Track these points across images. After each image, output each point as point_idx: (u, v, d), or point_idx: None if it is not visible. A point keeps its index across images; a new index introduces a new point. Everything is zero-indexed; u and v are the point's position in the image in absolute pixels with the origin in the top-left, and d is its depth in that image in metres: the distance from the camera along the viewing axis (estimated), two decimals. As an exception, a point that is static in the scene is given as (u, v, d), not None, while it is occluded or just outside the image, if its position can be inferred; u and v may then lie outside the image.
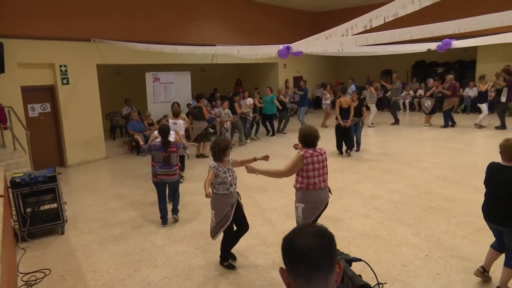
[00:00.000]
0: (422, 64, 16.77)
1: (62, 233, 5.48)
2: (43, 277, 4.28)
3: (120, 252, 4.83)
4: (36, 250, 5.01)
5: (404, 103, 15.86)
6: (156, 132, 5.85)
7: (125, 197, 6.99)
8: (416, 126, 12.60)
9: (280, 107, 12.04)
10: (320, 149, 3.90)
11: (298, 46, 5.89)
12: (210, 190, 3.96)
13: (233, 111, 11.26)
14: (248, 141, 11.54)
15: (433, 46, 7.91)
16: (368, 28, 4.14)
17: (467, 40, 7.52)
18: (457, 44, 7.57)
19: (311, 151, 3.80)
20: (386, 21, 3.87)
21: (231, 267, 4.26)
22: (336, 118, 9.23)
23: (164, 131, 5.53)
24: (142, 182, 7.79)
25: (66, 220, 5.65)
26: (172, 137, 5.67)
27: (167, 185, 5.59)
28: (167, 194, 5.75)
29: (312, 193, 3.81)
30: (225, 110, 10.93)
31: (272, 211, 5.92)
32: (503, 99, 11.22)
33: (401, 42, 6.59)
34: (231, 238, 4.26)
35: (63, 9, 9.09)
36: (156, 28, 10.95)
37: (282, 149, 9.79)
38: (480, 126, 11.54)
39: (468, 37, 7.69)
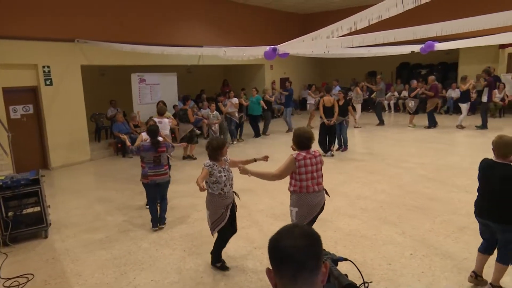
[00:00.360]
0: (406, 66, 17.06)
1: (46, 237, 5.37)
2: (26, 282, 4.19)
3: (106, 255, 4.76)
4: (19, 254, 4.89)
5: (389, 104, 16.09)
6: (144, 134, 5.77)
7: (111, 200, 6.90)
8: (401, 127, 12.78)
9: (266, 107, 12.08)
10: (314, 151, 3.86)
11: (285, 47, 5.92)
12: (205, 185, 3.93)
13: (219, 112, 11.23)
14: (235, 142, 11.51)
15: (416, 48, 8.05)
16: (353, 30, 4.19)
17: (449, 42, 7.66)
18: (439, 46, 7.71)
19: (304, 154, 3.77)
20: (370, 24, 3.92)
21: (224, 269, 4.22)
22: (321, 117, 9.34)
23: (154, 132, 5.47)
24: (128, 184, 7.70)
25: (50, 224, 5.55)
26: (160, 138, 5.63)
27: (157, 187, 5.52)
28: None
29: (306, 197, 3.76)
30: (213, 113, 10.88)
31: (259, 212, 5.92)
32: (484, 99, 11.53)
33: (386, 44, 6.68)
34: (225, 239, 4.25)
35: (46, 9, 8.93)
36: (142, 29, 10.85)
37: (269, 151, 9.79)
38: (461, 127, 11.79)
39: (451, 40, 7.85)
